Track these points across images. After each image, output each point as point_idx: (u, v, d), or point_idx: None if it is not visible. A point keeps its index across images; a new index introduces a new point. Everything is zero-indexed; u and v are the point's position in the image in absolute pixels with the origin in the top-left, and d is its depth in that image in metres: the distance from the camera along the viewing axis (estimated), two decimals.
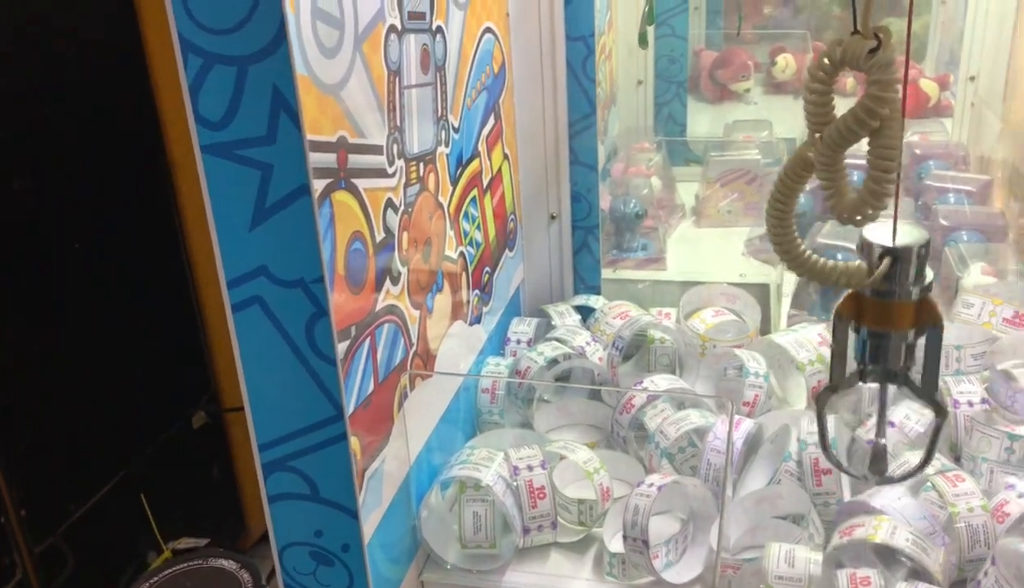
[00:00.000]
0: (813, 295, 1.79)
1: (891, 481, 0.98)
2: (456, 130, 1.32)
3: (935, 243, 1.82)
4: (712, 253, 2.09)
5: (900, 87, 0.68)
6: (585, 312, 1.66)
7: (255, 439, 1.02)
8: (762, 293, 1.85)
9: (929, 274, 0.76)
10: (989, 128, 2.09)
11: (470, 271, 1.42)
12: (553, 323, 1.61)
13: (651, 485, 1.18)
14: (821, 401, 0.84)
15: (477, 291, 1.46)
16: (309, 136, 0.88)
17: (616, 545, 1.21)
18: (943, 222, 1.80)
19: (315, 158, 0.90)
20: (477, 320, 1.48)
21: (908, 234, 0.74)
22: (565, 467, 1.33)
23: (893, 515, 1.11)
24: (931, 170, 2.02)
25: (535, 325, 1.60)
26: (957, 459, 1.29)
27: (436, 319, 1.28)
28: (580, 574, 1.23)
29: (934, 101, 2.48)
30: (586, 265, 1.70)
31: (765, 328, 1.67)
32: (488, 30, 1.45)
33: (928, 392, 0.79)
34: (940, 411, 0.79)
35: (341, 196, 0.97)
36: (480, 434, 1.42)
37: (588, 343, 1.54)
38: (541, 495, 1.23)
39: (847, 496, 1.22)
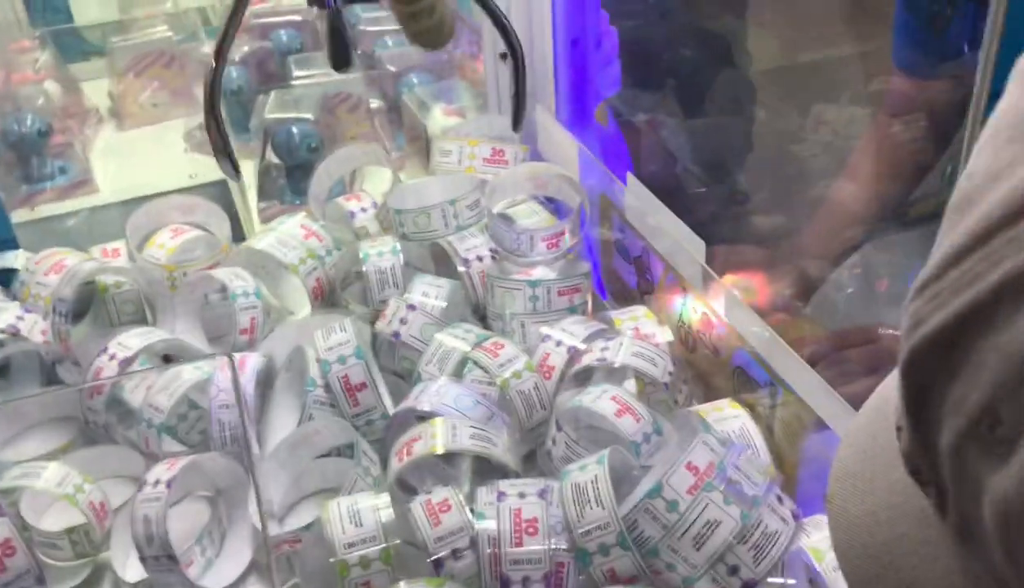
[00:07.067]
0: (279, 180, 1.56)
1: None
2: None
3: (388, 93, 1.69)
4: (150, 159, 1.75)
5: None
6: (6, 277, 1.26)
7: None
8: (223, 193, 1.59)
9: None
10: None
11: None
12: None
13: (157, 483, 0.90)
14: None
15: None
16: None
17: (134, 571, 0.92)
18: (390, 68, 1.66)
19: None
20: None
21: None
22: (33, 493, 0.99)
23: (446, 413, 0.96)
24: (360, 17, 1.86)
25: None
26: (483, 318, 1.19)
27: None
28: None
29: None
30: None
31: (239, 234, 1.42)
32: None
33: None
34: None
35: None
36: None
37: (20, 317, 1.16)
38: (8, 552, 0.89)
39: (391, 407, 1.05)
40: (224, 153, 0.94)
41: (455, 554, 0.83)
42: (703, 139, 1.65)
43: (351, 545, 0.82)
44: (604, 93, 1.40)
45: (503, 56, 1.39)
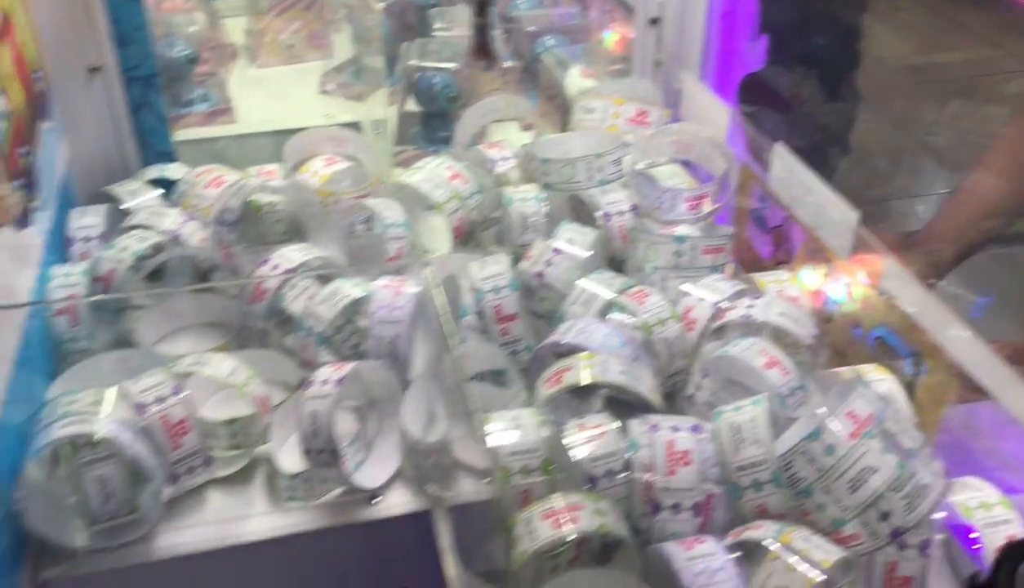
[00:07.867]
0: (413, 127, 1.61)
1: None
2: None
3: (524, 53, 1.73)
4: (284, 95, 1.82)
5: None
6: (165, 186, 1.32)
7: None
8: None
9: None
10: None
11: (3, 155, 1.02)
12: (127, 207, 1.26)
13: (325, 382, 0.95)
14: None
15: (19, 181, 1.06)
16: None
17: (292, 463, 0.98)
18: (528, 28, 1.70)
19: None
20: (25, 221, 1.09)
21: None
22: (196, 384, 1.05)
23: (595, 348, 1.00)
24: None
25: (104, 214, 1.23)
26: (618, 271, 1.22)
27: None
28: (253, 510, 0.98)
29: None
30: (151, 127, 1.34)
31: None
32: None
33: None
34: None
35: None
36: (69, 370, 1.06)
37: (182, 224, 1.22)
38: (183, 430, 0.95)
39: (534, 341, 1.09)
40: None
41: (609, 475, 0.87)
42: (833, 122, 1.66)
43: (514, 453, 0.86)
44: (747, 69, 1.42)
45: (652, 22, 1.42)
